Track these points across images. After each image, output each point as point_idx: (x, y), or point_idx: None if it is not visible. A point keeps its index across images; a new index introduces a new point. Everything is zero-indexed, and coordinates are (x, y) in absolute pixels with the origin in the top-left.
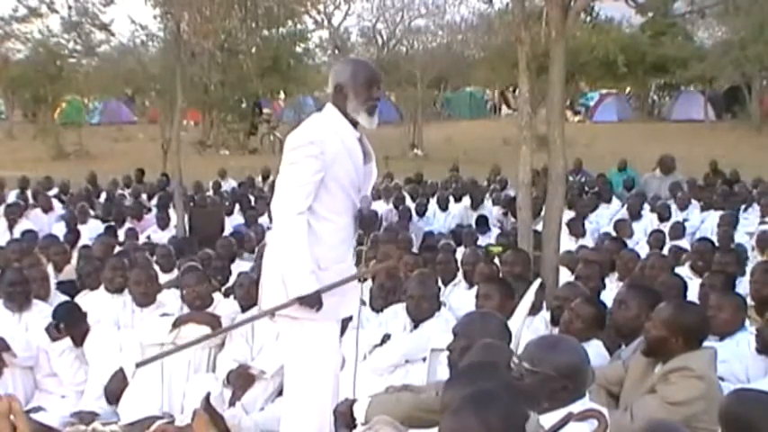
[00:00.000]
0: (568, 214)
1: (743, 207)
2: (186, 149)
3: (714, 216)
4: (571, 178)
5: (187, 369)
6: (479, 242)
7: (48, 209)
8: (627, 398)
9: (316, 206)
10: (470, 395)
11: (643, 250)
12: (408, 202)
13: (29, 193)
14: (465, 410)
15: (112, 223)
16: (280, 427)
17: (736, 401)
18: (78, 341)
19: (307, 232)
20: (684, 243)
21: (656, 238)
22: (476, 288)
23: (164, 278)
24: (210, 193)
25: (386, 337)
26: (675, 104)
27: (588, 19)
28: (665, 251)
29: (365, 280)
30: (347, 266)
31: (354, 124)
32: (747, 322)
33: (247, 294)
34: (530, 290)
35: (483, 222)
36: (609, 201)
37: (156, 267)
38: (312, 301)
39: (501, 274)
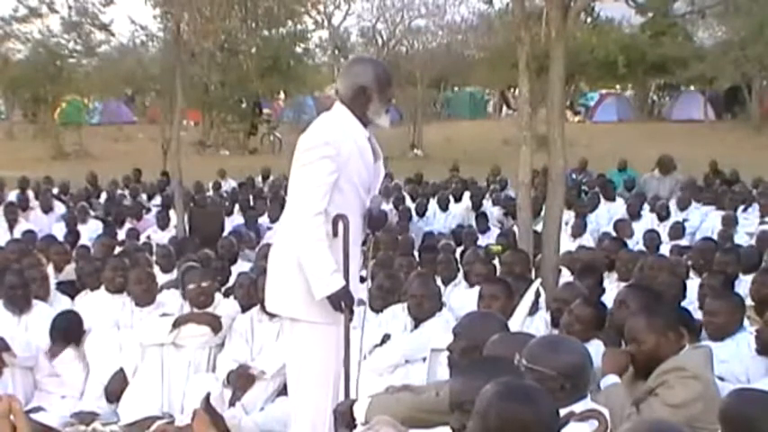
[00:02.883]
0: (568, 214)
1: (743, 207)
2: (186, 149)
3: (714, 216)
4: (574, 176)
5: (187, 369)
6: (479, 242)
7: (48, 209)
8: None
9: (328, 207)
10: (518, 386)
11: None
12: (408, 202)
13: (29, 193)
14: (506, 398)
15: (112, 223)
16: (282, 427)
17: (737, 401)
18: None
19: (325, 232)
20: (684, 243)
21: (650, 238)
22: (476, 288)
23: (164, 278)
24: (210, 193)
25: (386, 337)
26: (675, 104)
27: (588, 19)
28: (664, 251)
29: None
30: (356, 267)
31: (364, 124)
32: (747, 322)
33: (247, 294)
34: (529, 290)
35: (483, 222)
36: (613, 199)
37: (156, 267)
38: (342, 297)
39: (499, 274)
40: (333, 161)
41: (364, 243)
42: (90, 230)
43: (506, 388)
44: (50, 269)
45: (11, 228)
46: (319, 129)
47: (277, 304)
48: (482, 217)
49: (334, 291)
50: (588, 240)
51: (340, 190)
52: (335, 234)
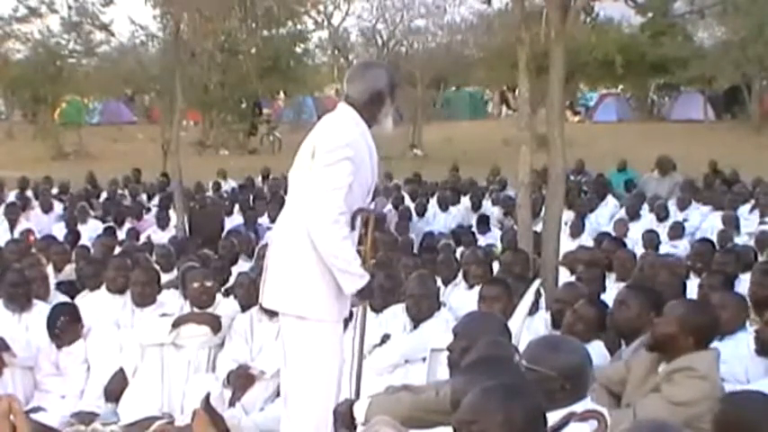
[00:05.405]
0: (567, 214)
1: (749, 208)
2: (186, 149)
3: (714, 216)
4: (572, 178)
5: (187, 369)
6: (479, 243)
7: (48, 209)
8: (629, 397)
9: None
10: (499, 386)
11: (641, 251)
12: (408, 202)
13: (29, 193)
14: (492, 398)
15: (112, 224)
16: (280, 427)
17: (729, 407)
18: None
19: (348, 231)
20: (684, 243)
21: (650, 239)
22: (476, 288)
23: (164, 278)
24: (210, 193)
25: (385, 338)
26: (675, 104)
27: (587, 19)
28: (664, 251)
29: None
30: None
31: (369, 126)
32: (747, 323)
33: (247, 294)
34: (529, 290)
35: (484, 223)
36: (603, 198)
37: (156, 267)
38: (371, 291)
39: (498, 275)
40: (352, 163)
41: (361, 243)
42: (90, 230)
43: (491, 389)
44: (50, 269)
45: (11, 228)
46: (339, 130)
47: (282, 302)
48: (483, 219)
49: (364, 285)
50: (587, 240)
51: (350, 190)
52: (353, 228)
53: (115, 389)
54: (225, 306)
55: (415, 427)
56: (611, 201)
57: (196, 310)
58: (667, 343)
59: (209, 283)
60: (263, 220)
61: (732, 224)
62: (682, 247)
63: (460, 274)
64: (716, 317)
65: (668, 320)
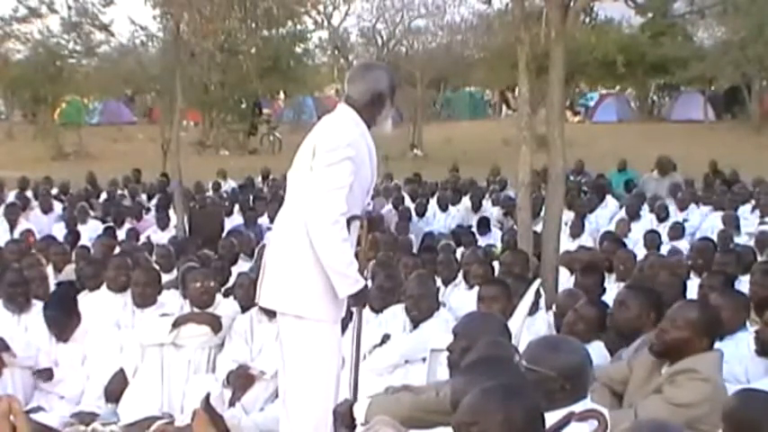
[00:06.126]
0: (568, 215)
1: (749, 208)
2: (186, 150)
3: (714, 216)
4: (572, 178)
5: (187, 369)
6: (479, 243)
7: (47, 209)
8: (631, 397)
9: None
10: (498, 386)
11: (642, 251)
12: (408, 202)
13: (29, 193)
14: (491, 399)
15: (112, 224)
16: (279, 427)
17: (741, 402)
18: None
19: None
20: (684, 243)
21: (651, 239)
22: (476, 288)
23: (164, 278)
24: (210, 193)
25: (385, 338)
26: (675, 105)
27: (588, 19)
28: (664, 251)
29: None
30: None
31: (369, 127)
32: (747, 323)
33: (247, 294)
34: (529, 290)
35: (484, 224)
36: (602, 199)
37: (156, 267)
38: (365, 297)
39: (498, 275)
40: (353, 163)
41: (359, 243)
42: (90, 231)
43: (491, 390)
44: (50, 269)
45: (11, 228)
46: (340, 130)
47: (280, 301)
48: (483, 221)
49: (359, 289)
50: (587, 240)
51: (351, 191)
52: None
53: (115, 389)
54: (225, 306)
55: (415, 428)
56: (610, 201)
57: (196, 310)
58: (680, 348)
59: (208, 282)
60: (263, 220)
61: (732, 224)
62: (682, 248)
63: (460, 275)
64: (720, 315)
65: (679, 325)
